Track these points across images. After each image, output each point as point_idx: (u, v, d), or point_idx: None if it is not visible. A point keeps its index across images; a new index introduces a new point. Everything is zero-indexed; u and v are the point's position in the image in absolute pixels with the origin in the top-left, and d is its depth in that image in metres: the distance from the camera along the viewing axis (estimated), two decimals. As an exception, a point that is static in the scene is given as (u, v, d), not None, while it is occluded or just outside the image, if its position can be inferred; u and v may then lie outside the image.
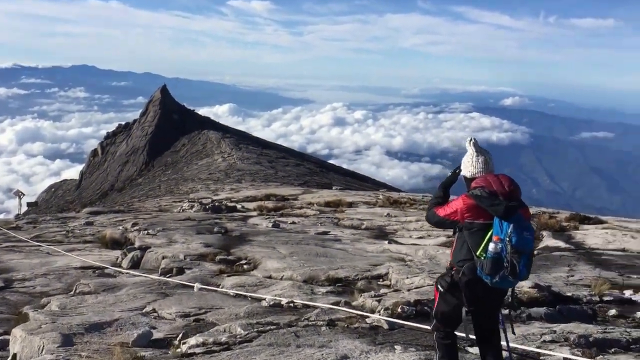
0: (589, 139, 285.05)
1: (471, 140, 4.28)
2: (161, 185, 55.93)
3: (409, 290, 6.49)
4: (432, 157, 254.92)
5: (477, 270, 3.73)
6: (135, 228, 14.31)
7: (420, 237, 13.08)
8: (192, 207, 22.66)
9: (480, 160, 4.19)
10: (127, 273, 9.50)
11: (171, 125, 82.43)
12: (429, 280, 6.70)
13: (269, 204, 24.12)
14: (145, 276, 8.75)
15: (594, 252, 10.16)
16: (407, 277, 7.18)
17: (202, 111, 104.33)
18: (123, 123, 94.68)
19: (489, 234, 3.73)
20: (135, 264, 10.26)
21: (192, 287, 7.44)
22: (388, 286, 7.20)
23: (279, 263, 8.86)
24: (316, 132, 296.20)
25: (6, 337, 5.49)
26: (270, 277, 7.90)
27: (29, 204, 52.23)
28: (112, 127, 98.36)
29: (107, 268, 10.11)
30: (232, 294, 6.83)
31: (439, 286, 3.96)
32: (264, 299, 6.31)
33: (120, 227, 14.70)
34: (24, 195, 46.23)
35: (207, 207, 22.00)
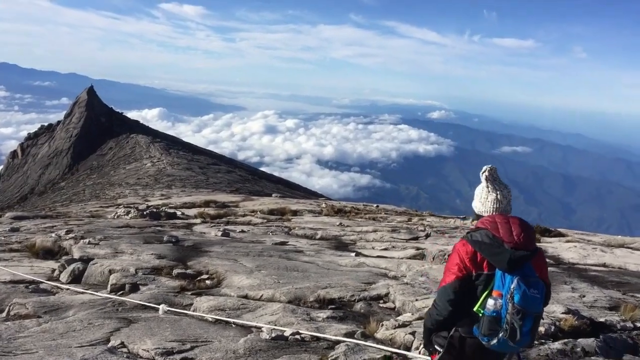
0: (509, 153, 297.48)
1: (485, 171, 3.55)
2: (86, 190, 53.14)
3: None
4: (361, 167, 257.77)
5: (474, 328, 3.16)
6: (70, 236, 12.73)
7: (385, 249, 12.26)
8: (127, 213, 20.97)
9: (490, 198, 3.48)
10: (67, 289, 8.10)
11: (98, 128, 79.12)
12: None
13: (211, 211, 22.88)
14: (93, 294, 7.41)
15: (575, 267, 9.66)
16: (417, 299, 6.26)
17: (131, 114, 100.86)
18: (46, 124, 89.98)
19: (490, 287, 3.14)
20: (76, 278, 8.84)
21: (156, 308, 6.24)
22: (393, 309, 6.26)
23: (249, 279, 7.75)
24: (247, 140, 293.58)
25: None
26: (246, 297, 6.77)
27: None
28: (33, 128, 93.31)
29: (42, 282, 8.65)
30: (210, 319, 5.68)
31: (436, 346, 3.34)
32: (258, 329, 5.21)
33: (53, 235, 13.06)
34: None
35: (144, 213, 20.43)
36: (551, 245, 11.86)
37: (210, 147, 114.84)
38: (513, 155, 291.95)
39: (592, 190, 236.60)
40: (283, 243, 12.80)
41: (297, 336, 5.01)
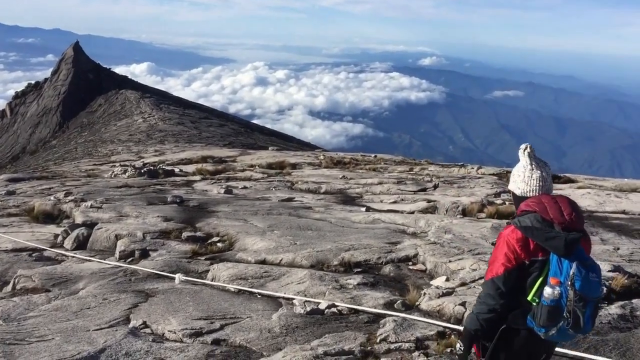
0: (501, 98, 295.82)
1: (526, 148, 3.22)
2: (78, 148, 52.46)
3: (473, 281, 5.22)
4: (353, 116, 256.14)
5: (528, 319, 2.93)
6: (70, 198, 12.30)
7: (394, 202, 11.93)
8: (125, 171, 20.49)
9: (535, 176, 3.16)
10: (73, 257, 7.73)
11: (86, 85, 77.51)
12: (484, 265, 5.49)
13: (209, 167, 22.43)
14: (101, 262, 7.04)
15: (594, 215, 9.36)
16: (449, 261, 5.92)
17: (119, 70, 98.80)
18: (33, 82, 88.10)
19: (544, 274, 2.90)
20: (81, 245, 8.47)
21: (171, 277, 5.89)
22: (424, 272, 5.93)
23: (263, 241, 7.39)
24: (238, 92, 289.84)
25: None
26: (265, 262, 6.41)
27: None
28: (20, 87, 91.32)
29: (46, 250, 8.27)
30: (233, 289, 5.32)
31: (482, 340, 3.07)
32: (288, 300, 4.86)
33: (52, 198, 12.62)
34: None
35: (142, 171, 19.96)
36: (564, 193, 11.53)
37: (201, 101, 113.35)
38: (505, 100, 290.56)
39: (583, 132, 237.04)
40: (290, 199, 12.43)
41: (334, 309, 4.67)
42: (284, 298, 5.01)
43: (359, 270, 5.96)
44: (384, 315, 4.58)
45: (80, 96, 74.80)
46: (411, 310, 4.75)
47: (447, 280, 5.43)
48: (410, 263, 6.21)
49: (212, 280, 5.65)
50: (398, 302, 4.86)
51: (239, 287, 5.31)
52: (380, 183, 15.40)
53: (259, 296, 5.14)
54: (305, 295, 4.94)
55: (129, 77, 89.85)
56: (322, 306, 4.69)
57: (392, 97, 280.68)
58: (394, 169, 21.00)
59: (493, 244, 3.29)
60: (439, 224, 7.98)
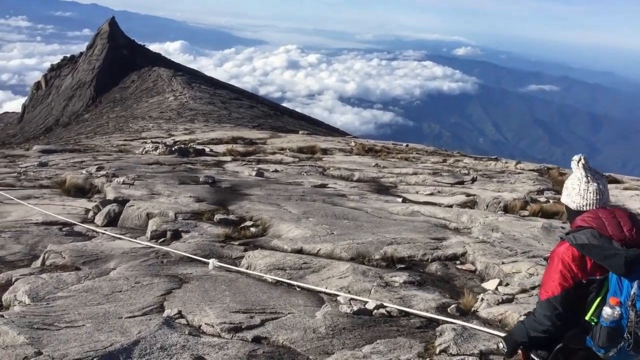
0: (535, 92, 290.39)
1: (580, 160, 3.02)
2: (109, 123, 53.01)
3: (533, 287, 4.83)
4: (384, 104, 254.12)
5: (587, 339, 2.75)
6: (101, 173, 12.20)
7: (431, 194, 11.55)
8: (155, 148, 20.42)
9: (592, 189, 2.93)
10: (104, 234, 7.56)
11: (120, 60, 78.17)
12: (542, 270, 5.11)
13: (239, 148, 22.27)
14: (132, 241, 6.85)
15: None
16: (502, 262, 5.57)
17: (153, 47, 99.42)
18: (68, 55, 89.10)
19: (603, 293, 2.74)
20: (111, 221, 8.31)
21: (204, 262, 5.65)
22: (473, 272, 5.58)
23: (298, 228, 7.11)
24: (269, 74, 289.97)
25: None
26: (302, 251, 6.13)
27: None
28: (56, 60, 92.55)
29: (76, 225, 8.13)
30: (270, 280, 5.05)
31: (533, 355, 2.90)
32: (330, 296, 4.56)
33: (84, 171, 12.54)
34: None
35: (172, 149, 19.88)
36: (610, 194, 11.03)
37: (232, 82, 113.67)
38: (539, 94, 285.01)
39: (619, 130, 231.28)
40: (323, 185, 12.14)
41: (383, 310, 4.36)
42: (326, 293, 4.71)
43: (402, 266, 5.63)
44: (437, 321, 4.26)
45: (114, 71, 75.55)
46: (467, 316, 4.41)
47: (501, 284, 5.08)
48: (458, 262, 5.86)
49: (247, 269, 5.39)
50: (452, 306, 4.53)
51: (277, 278, 5.04)
52: (415, 173, 15.01)
53: (298, 289, 4.86)
54: (349, 292, 4.64)
55: (163, 54, 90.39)
56: (370, 306, 4.37)
57: (424, 86, 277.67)
58: (426, 159, 20.57)
59: (546, 259, 3.04)
60: (483, 221, 7.59)
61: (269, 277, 5.05)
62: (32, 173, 13.61)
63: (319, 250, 6.08)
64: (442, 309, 4.50)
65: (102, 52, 78.28)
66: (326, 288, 4.77)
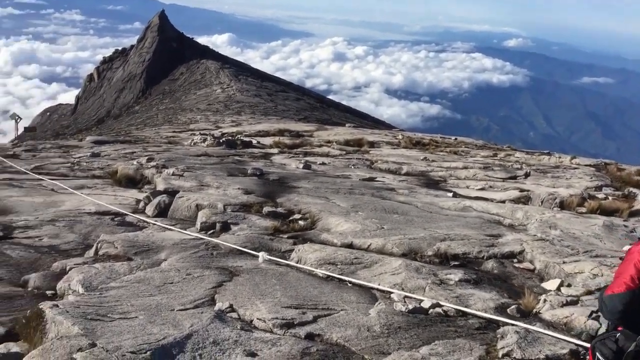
0: (589, 84, 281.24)
1: None
2: (159, 114, 54.06)
3: (598, 289, 4.60)
4: (431, 96, 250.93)
5: None
6: (152, 164, 12.38)
7: (482, 189, 11.26)
8: (204, 140, 20.67)
9: None
10: (154, 224, 7.65)
11: (169, 53, 79.53)
12: (607, 271, 4.88)
13: (286, 140, 22.29)
14: (182, 232, 6.89)
15: None
16: (564, 262, 5.35)
17: (201, 40, 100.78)
18: (120, 48, 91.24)
19: None
20: (161, 212, 8.40)
21: (254, 255, 5.62)
22: (532, 271, 5.38)
23: (347, 222, 7.01)
24: (315, 67, 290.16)
25: (10, 349, 3.60)
26: (352, 246, 6.04)
27: (26, 129, 49.87)
28: (108, 52, 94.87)
29: (128, 215, 8.26)
30: (320, 275, 4.98)
31: (598, 355, 2.77)
32: (383, 293, 4.45)
33: (134, 162, 12.76)
34: (20, 119, 43.82)
35: (220, 141, 20.06)
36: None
37: (278, 74, 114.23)
38: (593, 86, 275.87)
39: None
40: (371, 179, 12.00)
41: (439, 309, 4.22)
42: (378, 290, 4.60)
43: (456, 263, 5.46)
44: (497, 322, 4.09)
45: (163, 64, 76.97)
46: (529, 318, 4.23)
47: (563, 284, 4.86)
48: (515, 260, 5.65)
49: (297, 263, 5.33)
50: (512, 307, 4.34)
51: (328, 272, 4.95)
52: (465, 167, 14.69)
53: (349, 285, 4.76)
54: (403, 289, 4.52)
55: (211, 47, 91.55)
56: (426, 305, 4.24)
57: (473, 78, 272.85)
58: (476, 153, 20.13)
59: (621, 259, 2.90)
60: (540, 217, 7.32)
61: (320, 271, 4.97)
62: (85, 163, 13.95)
63: (370, 245, 5.97)
64: (501, 309, 4.32)
65: (152, 44, 79.91)
66: (379, 284, 4.65)
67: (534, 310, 4.33)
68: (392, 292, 4.45)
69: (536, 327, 3.88)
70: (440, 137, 27.44)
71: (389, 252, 5.74)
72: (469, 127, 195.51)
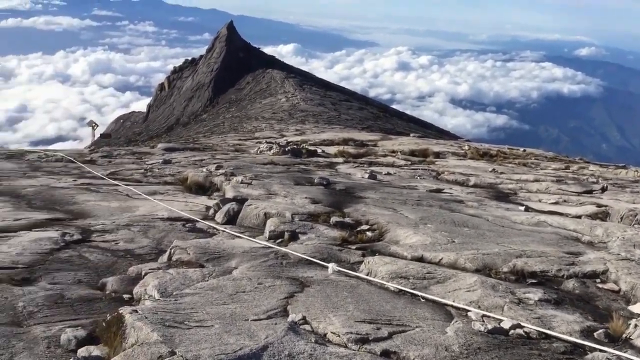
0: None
1: None
2: (225, 122, 55.31)
3: None
4: (498, 107, 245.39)
5: None
6: (220, 171, 12.62)
7: (556, 203, 10.83)
8: (269, 148, 20.93)
9: None
10: (224, 231, 7.76)
11: (236, 63, 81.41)
12: None
13: (350, 150, 22.28)
14: (251, 240, 6.95)
15: None
16: (652, 284, 5.05)
17: (267, 50, 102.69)
18: (189, 58, 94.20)
19: None
20: (230, 219, 8.52)
21: (321, 264, 5.59)
22: (617, 292, 5.10)
23: (417, 234, 6.88)
24: (379, 76, 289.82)
25: (91, 352, 3.70)
26: (422, 259, 5.91)
27: (101, 135, 52.22)
28: (178, 62, 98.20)
29: (198, 222, 8.42)
30: (392, 288, 4.89)
31: None
32: (459, 310, 4.32)
33: (204, 170, 13.04)
34: (97, 126, 45.93)
35: (286, 149, 20.26)
36: None
37: (342, 84, 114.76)
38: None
39: None
40: (438, 190, 11.78)
41: (520, 330, 4.05)
42: (454, 307, 4.47)
43: (534, 281, 5.24)
44: (583, 347, 3.88)
45: (231, 73, 78.85)
46: (619, 344, 3.99)
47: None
48: (598, 280, 5.36)
49: (368, 275, 5.25)
50: (599, 331, 4.10)
51: (400, 287, 4.85)
52: (536, 180, 14.21)
53: (422, 300, 4.64)
54: (480, 307, 4.36)
55: (276, 57, 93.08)
56: (506, 325, 4.06)
57: (542, 88, 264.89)
58: (546, 165, 19.46)
59: None
60: (622, 235, 6.94)
61: (392, 285, 4.87)
62: (157, 170, 14.39)
63: (441, 259, 5.82)
64: (587, 333, 4.09)
65: (220, 54, 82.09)
66: (454, 301, 4.51)
67: (624, 336, 4.07)
68: (468, 310, 4.30)
69: (629, 355, 3.64)
70: (508, 148, 26.75)
71: (461, 267, 5.58)
72: (537, 139, 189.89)
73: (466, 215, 8.56)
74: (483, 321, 4.12)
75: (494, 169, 16.72)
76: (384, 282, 4.94)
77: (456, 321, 4.16)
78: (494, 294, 4.64)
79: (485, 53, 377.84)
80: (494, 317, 4.16)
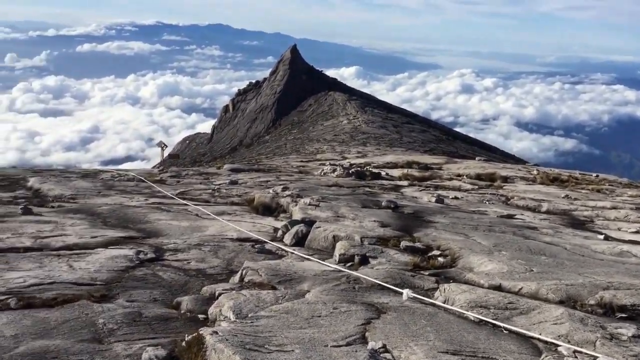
0: None
1: None
2: (287, 144, 55.98)
3: None
4: (565, 130, 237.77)
5: None
6: (286, 193, 12.69)
7: (637, 232, 10.30)
8: (333, 170, 20.99)
9: None
10: (292, 253, 7.77)
11: (299, 85, 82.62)
12: None
13: (414, 173, 22.02)
14: (321, 263, 6.92)
15: None
16: None
17: (329, 72, 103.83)
18: (253, 81, 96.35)
19: None
20: (299, 241, 8.52)
21: (394, 290, 5.47)
22: None
23: (492, 262, 6.66)
24: (442, 99, 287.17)
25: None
26: (500, 288, 5.69)
27: (170, 156, 54.01)
28: (243, 85, 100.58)
29: (267, 243, 8.46)
30: (472, 318, 4.73)
31: None
32: (547, 344, 4.11)
33: (270, 191, 13.17)
34: (166, 147, 47.57)
35: (350, 172, 20.25)
36: None
37: (404, 106, 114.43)
38: None
39: None
40: (510, 216, 11.43)
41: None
42: (541, 341, 4.25)
43: (623, 315, 4.94)
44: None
45: (293, 96, 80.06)
46: None
47: None
48: (696, 319, 5.00)
49: (444, 303, 5.10)
50: None
51: (481, 317, 4.68)
52: (614, 207, 13.59)
53: (505, 332, 4.45)
54: (570, 342, 4.13)
55: (338, 79, 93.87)
56: (595, 363, 3.83)
57: (614, 111, 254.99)
58: (622, 192, 18.59)
59: None
60: None
61: (472, 315, 4.70)
62: (224, 190, 14.64)
63: (521, 288, 5.58)
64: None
65: (283, 77, 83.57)
66: (540, 334, 4.30)
67: None
68: (558, 345, 4.08)
69: None
70: (580, 174, 25.78)
71: (543, 298, 5.33)
72: (608, 164, 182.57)
73: (542, 243, 8.23)
74: (576, 357, 3.90)
75: (567, 195, 16.13)
76: (463, 311, 4.78)
77: (546, 356, 3.95)
78: (584, 328, 4.39)
79: (552, 75, 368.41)
80: (587, 354, 3.92)
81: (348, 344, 3.89)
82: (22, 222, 9.63)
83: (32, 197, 13.07)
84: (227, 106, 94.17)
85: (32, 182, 14.85)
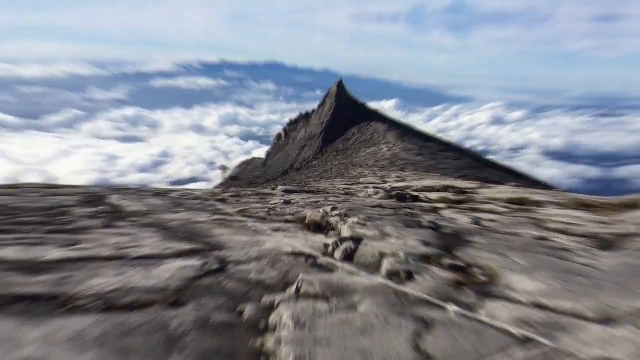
0: None
1: None
2: (333, 169, 56.16)
3: None
4: (593, 159, 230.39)
5: None
6: (335, 212, 12.59)
7: (668, 256, 9.72)
8: (376, 193, 20.75)
9: None
10: (341, 267, 7.65)
11: (344, 116, 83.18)
12: None
13: (451, 196, 21.56)
14: (370, 278, 6.79)
15: None
16: None
17: (372, 105, 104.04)
18: (303, 112, 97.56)
19: None
20: (347, 257, 8.40)
21: (439, 305, 5.31)
22: None
23: (531, 281, 6.40)
24: (474, 129, 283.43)
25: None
26: (541, 306, 5.47)
27: (231, 177, 54.95)
28: (294, 115, 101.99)
29: (319, 258, 8.38)
30: (516, 333, 4.55)
31: None
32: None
33: (321, 211, 13.10)
34: (228, 169, 48.48)
35: (391, 194, 20.01)
36: None
37: (439, 135, 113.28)
38: None
39: None
40: (544, 238, 11.01)
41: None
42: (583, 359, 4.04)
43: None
44: None
45: (339, 126, 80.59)
46: None
47: None
48: None
49: (487, 317, 4.91)
50: None
51: (526, 333, 4.48)
52: (644, 232, 12.92)
53: (549, 349, 4.25)
54: (616, 362, 3.91)
55: (379, 111, 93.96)
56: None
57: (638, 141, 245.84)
58: (651, 217, 17.71)
59: None
60: None
61: (518, 331, 4.51)
62: (279, 209, 14.65)
63: (561, 307, 5.34)
64: None
65: (330, 109, 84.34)
66: (586, 354, 4.08)
67: None
68: (605, 363, 3.86)
69: None
70: (607, 199, 24.76)
71: (583, 317, 5.08)
72: (632, 190, 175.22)
73: (577, 265, 7.87)
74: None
75: (599, 220, 15.47)
76: (509, 328, 4.58)
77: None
78: (629, 345, 4.13)
79: (579, 108, 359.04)
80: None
81: (399, 356, 3.77)
82: (105, 234, 9.86)
83: (112, 212, 13.42)
84: (279, 134, 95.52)
85: (113, 199, 15.27)
